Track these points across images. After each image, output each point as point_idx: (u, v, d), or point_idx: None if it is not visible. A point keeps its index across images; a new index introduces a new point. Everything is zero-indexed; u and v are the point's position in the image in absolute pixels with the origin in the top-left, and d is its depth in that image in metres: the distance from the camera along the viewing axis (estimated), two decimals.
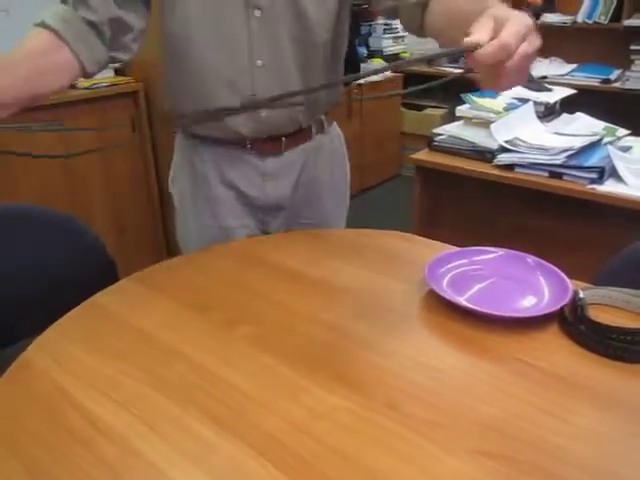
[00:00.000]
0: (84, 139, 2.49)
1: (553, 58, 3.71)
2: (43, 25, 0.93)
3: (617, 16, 3.35)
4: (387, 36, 4.00)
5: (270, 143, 1.17)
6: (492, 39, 0.68)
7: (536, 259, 1.00)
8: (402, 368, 0.79)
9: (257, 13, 1.02)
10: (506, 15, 0.71)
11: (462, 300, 0.91)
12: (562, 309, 0.88)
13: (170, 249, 2.67)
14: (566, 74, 3.51)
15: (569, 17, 3.54)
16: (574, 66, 3.57)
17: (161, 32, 1.10)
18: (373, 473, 0.62)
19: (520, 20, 0.71)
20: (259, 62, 1.07)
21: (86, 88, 2.48)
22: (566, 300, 0.89)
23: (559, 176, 1.66)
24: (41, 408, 0.72)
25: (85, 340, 0.86)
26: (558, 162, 1.66)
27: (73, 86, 2.50)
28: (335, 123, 1.31)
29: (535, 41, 0.72)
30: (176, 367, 0.79)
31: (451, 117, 2.03)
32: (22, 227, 1.21)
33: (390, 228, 1.21)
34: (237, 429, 0.68)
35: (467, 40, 0.69)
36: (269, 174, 1.21)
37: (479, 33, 0.69)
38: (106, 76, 2.56)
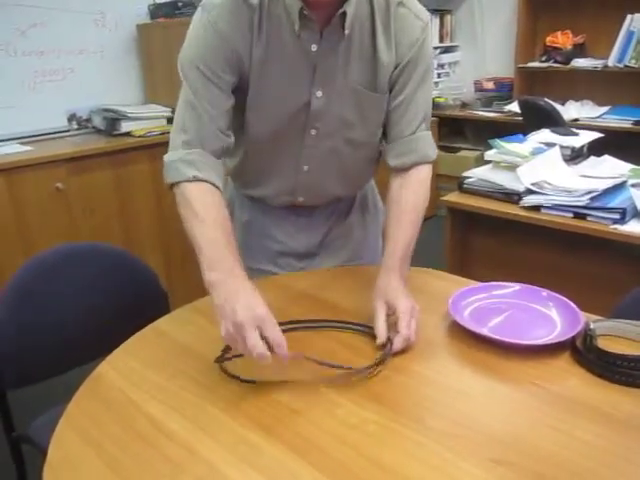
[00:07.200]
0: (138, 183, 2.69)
1: (585, 101, 3.79)
2: (197, 179, 1.05)
3: None
4: None
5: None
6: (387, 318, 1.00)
7: (550, 292, 1.10)
8: (426, 388, 0.90)
9: (313, 132, 1.18)
10: (395, 298, 1.01)
11: (480, 329, 1.01)
12: (574, 338, 0.97)
13: None
14: (598, 117, 3.58)
15: (600, 61, 3.63)
16: (606, 108, 3.64)
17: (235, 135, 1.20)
18: (395, 474, 0.72)
19: (406, 305, 1.00)
20: (305, 167, 1.23)
21: (140, 136, 2.69)
22: (577, 330, 0.98)
23: (583, 217, 1.73)
24: (116, 415, 0.85)
25: (147, 359, 0.99)
26: (582, 203, 1.74)
27: (129, 134, 2.72)
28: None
29: (417, 312, 1.01)
30: (229, 384, 0.91)
31: (485, 159, 2.11)
32: (88, 262, 1.37)
33: (423, 266, 1.31)
34: (282, 435, 0.79)
35: (378, 342, 0.98)
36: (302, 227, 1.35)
37: (380, 331, 0.99)
38: (157, 125, 2.77)
